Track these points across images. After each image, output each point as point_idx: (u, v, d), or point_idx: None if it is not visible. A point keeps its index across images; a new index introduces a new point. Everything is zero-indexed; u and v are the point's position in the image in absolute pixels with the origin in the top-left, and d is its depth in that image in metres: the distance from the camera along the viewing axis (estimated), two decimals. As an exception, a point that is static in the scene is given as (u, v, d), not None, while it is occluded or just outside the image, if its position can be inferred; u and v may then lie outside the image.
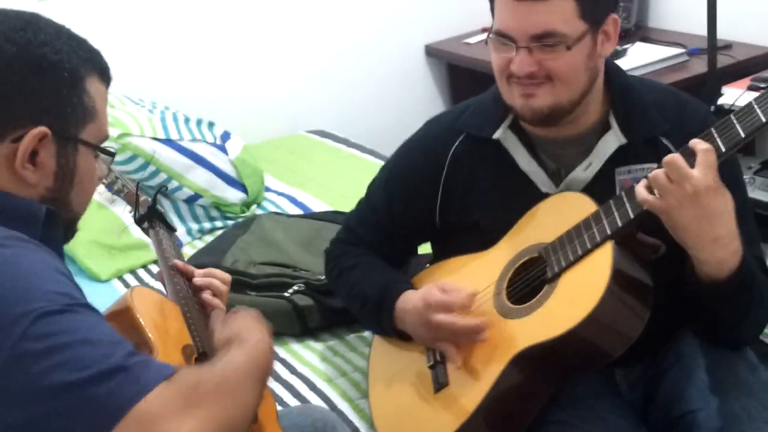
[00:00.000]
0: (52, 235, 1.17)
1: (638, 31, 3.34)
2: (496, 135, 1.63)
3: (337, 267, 1.82)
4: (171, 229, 1.73)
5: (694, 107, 1.65)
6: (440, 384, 1.61)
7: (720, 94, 2.64)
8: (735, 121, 1.39)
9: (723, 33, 2.74)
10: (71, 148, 1.18)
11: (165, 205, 2.83)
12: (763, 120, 1.36)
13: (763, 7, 2.93)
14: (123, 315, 1.36)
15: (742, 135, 1.38)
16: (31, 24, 1.16)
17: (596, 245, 1.49)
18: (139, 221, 1.74)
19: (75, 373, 0.96)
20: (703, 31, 2.71)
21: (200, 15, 3.35)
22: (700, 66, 2.91)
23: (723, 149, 1.39)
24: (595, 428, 1.51)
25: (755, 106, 1.38)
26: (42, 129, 1.13)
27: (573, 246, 1.52)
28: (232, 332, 1.29)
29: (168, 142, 2.78)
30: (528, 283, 1.58)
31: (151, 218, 1.73)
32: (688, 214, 1.38)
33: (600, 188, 1.57)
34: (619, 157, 1.58)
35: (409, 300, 1.66)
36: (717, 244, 1.40)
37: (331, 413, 1.74)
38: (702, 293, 1.47)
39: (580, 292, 1.47)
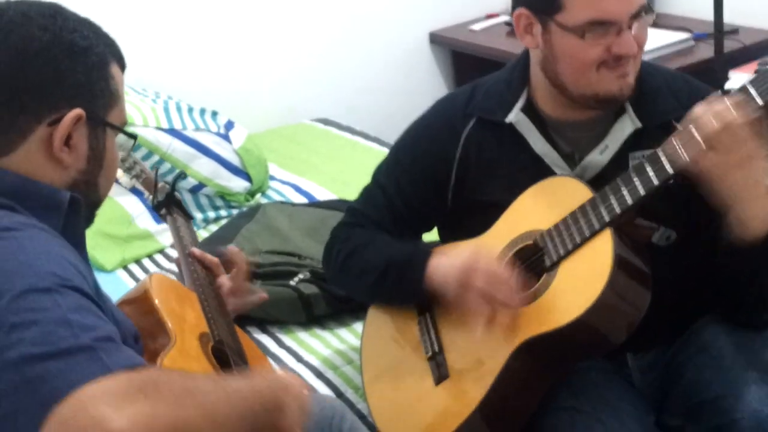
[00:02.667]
0: (74, 223, 1.19)
1: (644, 16, 3.31)
2: (509, 118, 1.62)
3: (348, 246, 1.74)
4: (188, 217, 1.73)
5: (705, 91, 1.64)
6: (441, 376, 1.59)
7: (727, 79, 2.63)
8: None
9: (729, 17, 2.73)
10: (101, 130, 1.22)
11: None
12: None
13: (770, -9, 2.92)
14: (141, 300, 1.38)
15: None
16: (60, 12, 1.20)
17: (594, 232, 1.48)
18: (156, 207, 1.75)
19: (37, 347, 0.95)
20: (709, 15, 2.69)
21: (203, 4, 3.34)
22: (706, 51, 2.90)
23: (760, 102, 1.37)
24: (607, 416, 1.50)
25: None
26: (78, 111, 1.16)
27: (570, 234, 1.50)
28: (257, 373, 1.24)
29: (172, 132, 2.77)
30: (525, 272, 1.57)
31: (169, 205, 1.73)
32: (743, 170, 1.37)
33: (615, 172, 1.55)
34: (633, 142, 1.58)
35: (445, 259, 1.58)
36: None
37: (340, 403, 1.73)
38: (741, 257, 1.44)
39: (581, 281, 1.46)
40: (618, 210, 1.46)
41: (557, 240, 1.52)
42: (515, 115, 1.62)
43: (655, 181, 1.43)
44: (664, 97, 1.59)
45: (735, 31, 2.97)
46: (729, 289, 1.56)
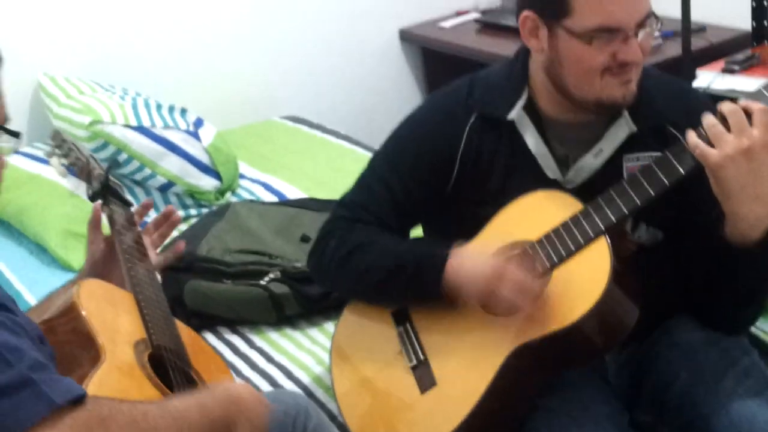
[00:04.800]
0: None
1: (612, 14, 3.32)
2: (511, 116, 1.61)
3: (348, 243, 1.67)
4: (126, 204, 1.63)
5: (696, 95, 1.68)
6: (427, 384, 1.58)
7: (694, 77, 2.65)
8: None
9: (697, 15, 2.74)
10: None
11: (137, 192, 2.80)
12: None
13: (737, -10, 2.94)
14: (69, 312, 1.32)
15: None
16: None
17: (589, 240, 1.49)
18: (92, 198, 1.64)
19: None
20: (677, 13, 2.71)
21: (172, 0, 3.31)
22: (674, 49, 2.92)
23: None
24: (582, 416, 1.51)
25: None
26: None
27: (563, 241, 1.51)
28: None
29: (140, 129, 2.75)
30: None
31: (104, 195, 1.63)
32: (738, 167, 1.38)
33: (608, 175, 1.57)
34: (627, 145, 1.59)
35: (468, 261, 1.55)
36: (758, 201, 1.41)
37: (304, 398, 1.71)
38: (729, 254, 1.47)
39: (578, 286, 1.47)
40: (613, 218, 1.48)
41: (549, 248, 1.52)
42: (516, 113, 1.61)
43: (666, 182, 1.45)
44: (657, 101, 1.60)
45: (702, 29, 2.99)
46: (706, 291, 1.58)
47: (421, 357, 1.61)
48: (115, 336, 1.30)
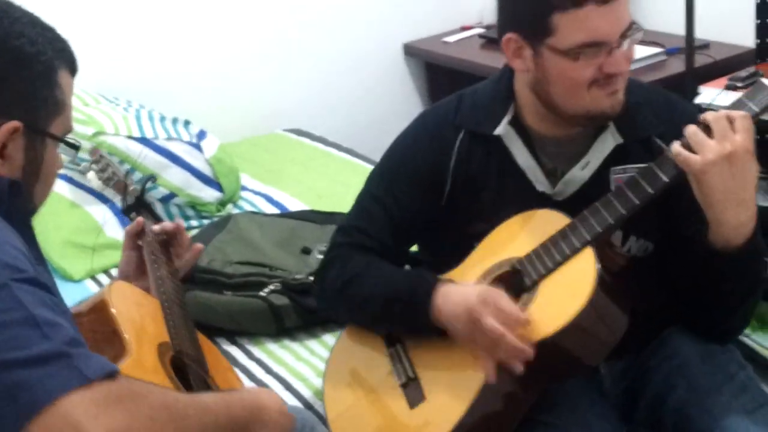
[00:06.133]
0: (17, 208, 1.14)
1: (616, 31, 3.32)
2: (497, 131, 1.62)
3: (345, 274, 1.69)
4: (158, 221, 1.71)
5: (683, 107, 1.68)
6: (417, 400, 1.58)
7: (697, 94, 2.65)
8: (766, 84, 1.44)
9: (701, 32, 2.75)
10: (40, 141, 1.17)
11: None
12: None
13: (741, 7, 2.94)
14: (99, 309, 1.36)
15: None
16: (7, 13, 1.15)
17: (575, 251, 1.49)
18: (126, 211, 1.74)
19: (9, 352, 0.93)
20: (681, 30, 2.71)
21: (176, 12, 3.33)
22: (677, 65, 2.92)
23: (756, 109, 1.44)
24: (576, 430, 1.51)
25: None
26: (15, 123, 1.12)
27: (550, 254, 1.52)
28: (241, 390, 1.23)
29: (143, 140, 2.75)
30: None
31: (138, 209, 1.72)
32: (721, 172, 1.40)
33: (596, 187, 1.58)
34: (614, 157, 1.59)
35: (454, 292, 1.55)
36: (741, 206, 1.42)
37: (310, 413, 1.73)
38: (713, 260, 1.48)
39: (564, 295, 1.47)
40: (599, 228, 1.48)
41: (537, 262, 1.53)
42: (503, 128, 1.62)
43: (651, 191, 1.46)
44: (644, 113, 1.61)
45: (706, 46, 2.99)
46: (695, 298, 1.59)
47: (411, 374, 1.61)
48: (141, 335, 1.34)
